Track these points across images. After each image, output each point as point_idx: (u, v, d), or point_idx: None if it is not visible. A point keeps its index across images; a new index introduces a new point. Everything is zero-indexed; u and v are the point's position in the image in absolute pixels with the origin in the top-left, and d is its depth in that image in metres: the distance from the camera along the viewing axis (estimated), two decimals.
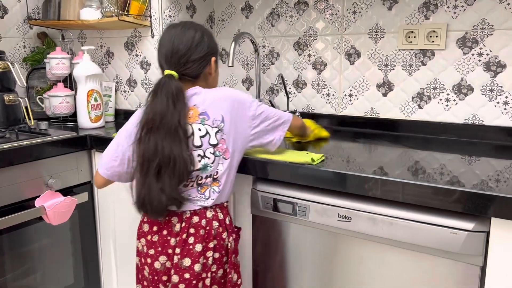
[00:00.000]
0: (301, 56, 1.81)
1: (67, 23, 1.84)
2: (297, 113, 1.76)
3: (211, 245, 1.14)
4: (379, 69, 1.65)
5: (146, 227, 1.19)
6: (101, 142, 1.59)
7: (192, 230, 1.14)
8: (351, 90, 1.72)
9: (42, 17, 1.97)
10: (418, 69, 1.58)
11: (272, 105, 1.77)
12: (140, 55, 1.86)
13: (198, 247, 1.12)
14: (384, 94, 1.66)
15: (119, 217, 1.62)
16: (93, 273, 1.70)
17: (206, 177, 1.14)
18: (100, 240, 1.71)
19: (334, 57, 1.74)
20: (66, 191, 1.55)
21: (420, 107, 1.60)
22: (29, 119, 1.55)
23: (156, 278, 1.16)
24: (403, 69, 1.61)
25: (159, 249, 1.15)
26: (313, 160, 1.16)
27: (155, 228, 1.17)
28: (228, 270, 1.18)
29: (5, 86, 1.55)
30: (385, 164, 1.16)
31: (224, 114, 1.14)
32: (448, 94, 1.54)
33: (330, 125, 1.77)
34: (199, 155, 1.12)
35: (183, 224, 1.14)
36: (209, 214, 1.15)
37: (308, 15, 1.77)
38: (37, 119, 1.93)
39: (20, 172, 1.42)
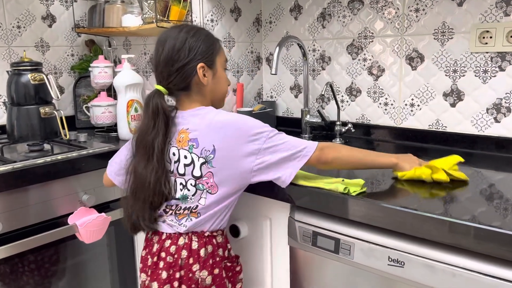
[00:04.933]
0: (355, 60, 1.62)
1: (109, 30, 1.79)
2: (349, 125, 1.57)
3: (177, 275, 1.04)
4: (446, 75, 1.42)
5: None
6: None
7: (163, 254, 1.06)
8: (412, 99, 1.50)
9: (87, 25, 1.94)
10: (495, 76, 1.33)
11: (321, 115, 1.60)
12: None
13: (164, 274, 1.04)
14: (452, 105, 1.42)
15: None
16: None
17: (185, 209, 1.05)
18: (138, 256, 1.64)
19: (393, 61, 1.53)
20: (102, 207, 1.49)
21: (497, 121, 1.35)
22: (64, 132, 1.51)
23: None
24: (475, 76, 1.36)
25: (141, 265, 1.12)
26: (347, 190, 0.99)
27: (143, 244, 1.14)
28: None
29: (42, 98, 1.51)
30: (453, 191, 0.98)
31: (217, 145, 1.00)
32: None
33: (388, 138, 1.56)
34: (181, 183, 1.05)
35: (157, 246, 1.07)
36: (181, 241, 1.06)
37: (364, 15, 1.57)
38: (83, 128, 1.92)
39: (54, 187, 1.38)
